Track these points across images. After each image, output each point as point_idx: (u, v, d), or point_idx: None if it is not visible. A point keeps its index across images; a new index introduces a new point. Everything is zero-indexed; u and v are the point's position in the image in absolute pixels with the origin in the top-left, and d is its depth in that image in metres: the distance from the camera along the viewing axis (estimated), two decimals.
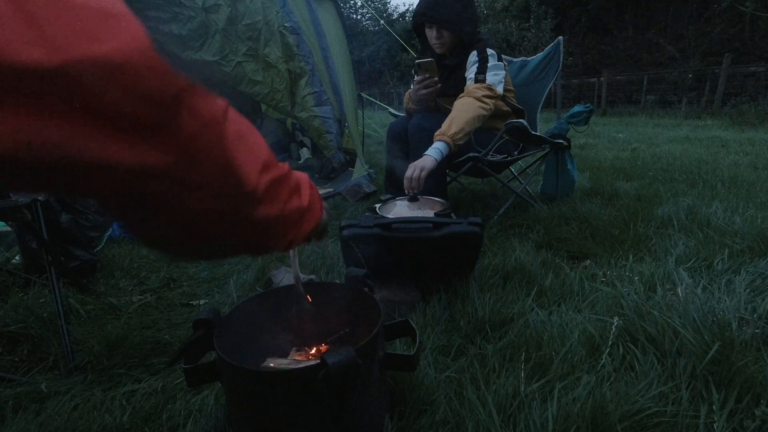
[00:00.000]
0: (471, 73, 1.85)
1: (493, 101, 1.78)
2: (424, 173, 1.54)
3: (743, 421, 0.79)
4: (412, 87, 2.00)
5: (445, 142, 1.64)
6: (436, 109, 2.06)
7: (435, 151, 1.62)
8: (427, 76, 1.85)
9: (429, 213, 1.44)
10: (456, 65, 1.93)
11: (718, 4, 11.96)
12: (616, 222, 1.89)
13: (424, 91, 1.89)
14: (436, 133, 1.67)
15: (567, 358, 0.98)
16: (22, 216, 1.37)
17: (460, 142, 1.67)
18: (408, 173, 1.55)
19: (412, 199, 1.57)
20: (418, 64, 1.85)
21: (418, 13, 1.89)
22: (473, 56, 1.86)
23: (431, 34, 1.90)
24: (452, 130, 1.64)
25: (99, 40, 0.27)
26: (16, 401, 0.97)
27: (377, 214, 1.45)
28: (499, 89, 1.82)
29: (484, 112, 1.73)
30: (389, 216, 1.43)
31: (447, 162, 1.80)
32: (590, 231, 1.83)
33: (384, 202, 1.58)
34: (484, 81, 1.79)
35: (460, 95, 1.79)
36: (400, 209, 1.54)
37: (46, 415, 0.92)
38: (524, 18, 15.31)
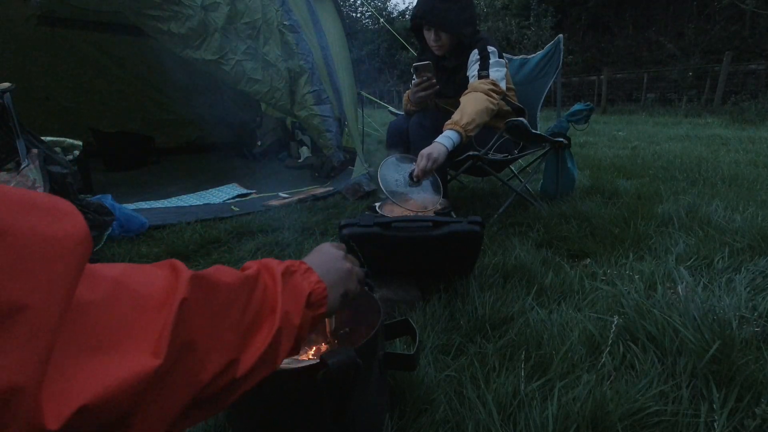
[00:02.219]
0: (473, 70, 1.83)
1: (499, 96, 1.76)
2: (434, 165, 1.51)
3: (744, 420, 0.79)
4: (410, 89, 2.00)
5: (456, 131, 1.60)
6: (436, 109, 2.06)
7: (446, 139, 1.57)
8: (424, 78, 1.84)
9: (420, 195, 1.45)
10: (455, 67, 1.92)
11: (719, 1, 11.93)
12: (616, 220, 1.88)
13: (422, 93, 1.88)
14: (447, 122, 1.63)
15: (567, 357, 0.98)
16: None
17: (472, 134, 1.63)
18: (420, 163, 1.52)
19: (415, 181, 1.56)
20: (416, 67, 1.84)
21: (416, 15, 1.87)
22: (474, 55, 1.85)
23: (429, 36, 1.88)
24: (464, 120, 1.60)
25: None
26: None
27: (377, 212, 1.44)
28: (502, 85, 1.82)
29: (492, 106, 1.71)
30: (386, 184, 1.49)
31: (448, 160, 1.80)
32: (590, 229, 1.82)
33: (384, 201, 1.58)
34: (487, 77, 1.78)
35: (465, 92, 1.76)
36: (391, 166, 1.60)
37: None
38: (524, 16, 15.29)
